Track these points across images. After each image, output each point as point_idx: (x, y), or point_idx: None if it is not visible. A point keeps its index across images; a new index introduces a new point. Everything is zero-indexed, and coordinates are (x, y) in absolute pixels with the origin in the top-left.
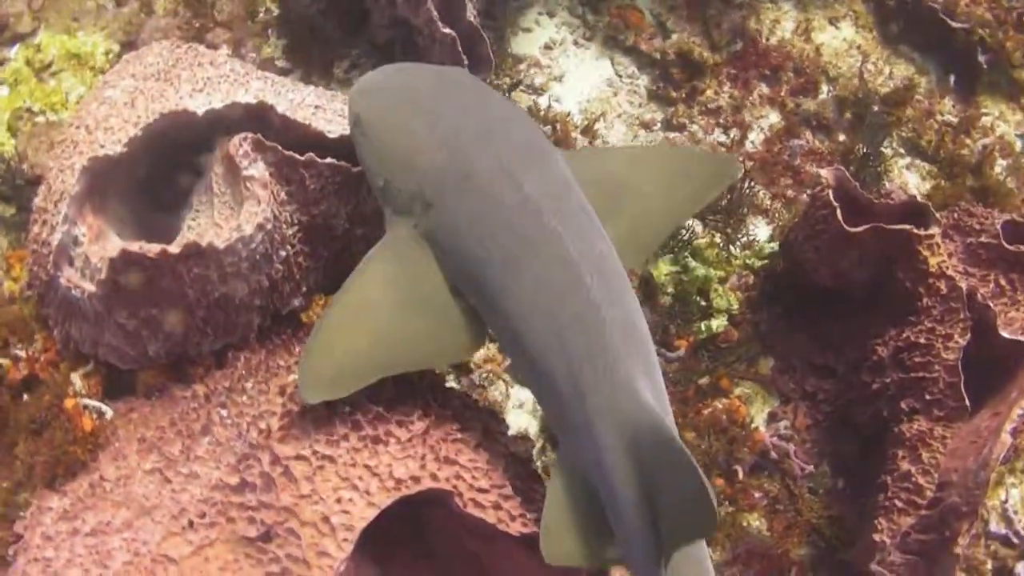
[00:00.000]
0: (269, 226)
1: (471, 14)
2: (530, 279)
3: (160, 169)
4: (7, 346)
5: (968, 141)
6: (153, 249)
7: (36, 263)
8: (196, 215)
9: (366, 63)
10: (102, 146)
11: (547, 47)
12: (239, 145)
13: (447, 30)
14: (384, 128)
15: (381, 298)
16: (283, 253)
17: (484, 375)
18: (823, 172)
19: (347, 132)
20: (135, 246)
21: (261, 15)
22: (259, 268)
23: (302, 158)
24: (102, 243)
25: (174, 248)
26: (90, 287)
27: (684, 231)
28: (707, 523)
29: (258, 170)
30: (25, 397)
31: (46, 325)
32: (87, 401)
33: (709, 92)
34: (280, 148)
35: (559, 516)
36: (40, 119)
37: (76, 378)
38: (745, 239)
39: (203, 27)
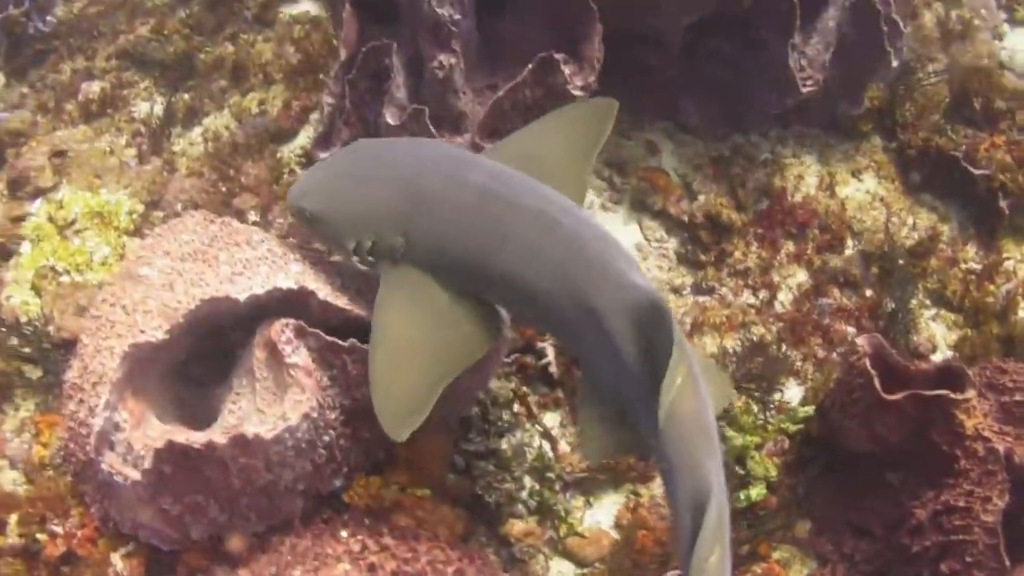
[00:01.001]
0: (314, 414)
1: None
2: (513, 241)
3: (195, 346)
4: (44, 521)
5: (992, 287)
6: (200, 440)
7: (72, 440)
8: (237, 398)
9: None
10: (142, 331)
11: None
12: (281, 332)
13: None
14: (335, 206)
15: (406, 333)
16: (326, 438)
17: (524, 549)
18: (859, 340)
19: None
20: (181, 436)
21: (285, 177)
22: (303, 454)
23: (345, 344)
24: (143, 428)
25: (220, 439)
26: (134, 474)
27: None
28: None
29: (301, 357)
30: (65, 573)
31: (83, 501)
32: None
33: (737, 253)
34: (322, 334)
35: (590, 422)
36: (65, 279)
37: (117, 559)
38: (778, 402)
39: (230, 191)
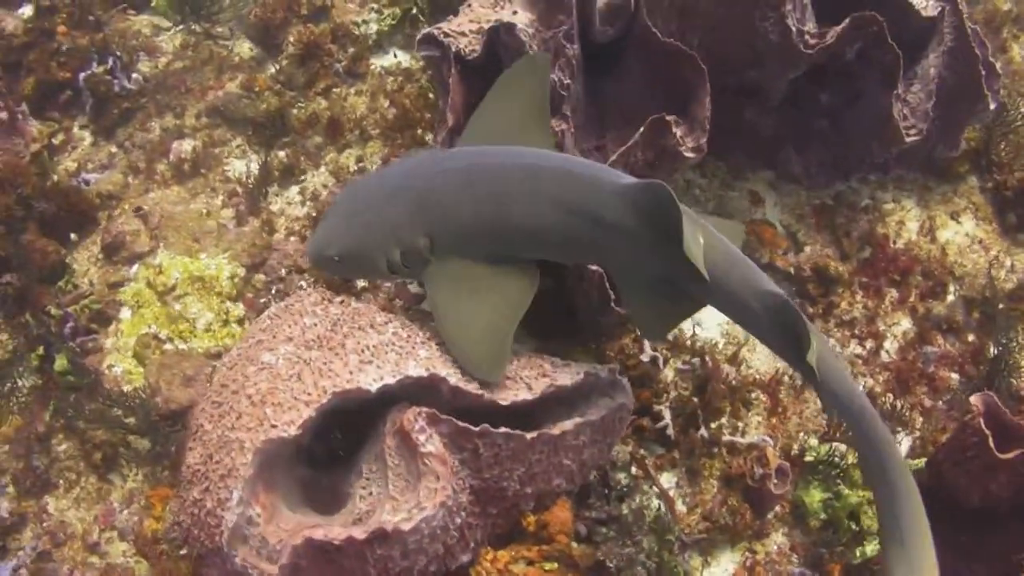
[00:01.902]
0: (449, 502)
1: None
2: (511, 199)
3: (318, 426)
4: None
5: None
6: (339, 537)
7: (196, 526)
8: (367, 483)
9: None
10: (273, 425)
11: None
12: (414, 420)
13: (594, 268)
14: (354, 238)
15: (465, 307)
16: (458, 520)
17: None
18: (972, 400)
19: (519, 399)
20: (319, 533)
21: None
22: (437, 539)
23: (476, 429)
24: (276, 521)
25: (360, 535)
26: (271, 569)
27: (836, 456)
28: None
29: (435, 446)
30: None
31: None
32: None
33: (844, 304)
34: (454, 420)
35: (641, 313)
36: (168, 347)
37: None
38: None
39: None
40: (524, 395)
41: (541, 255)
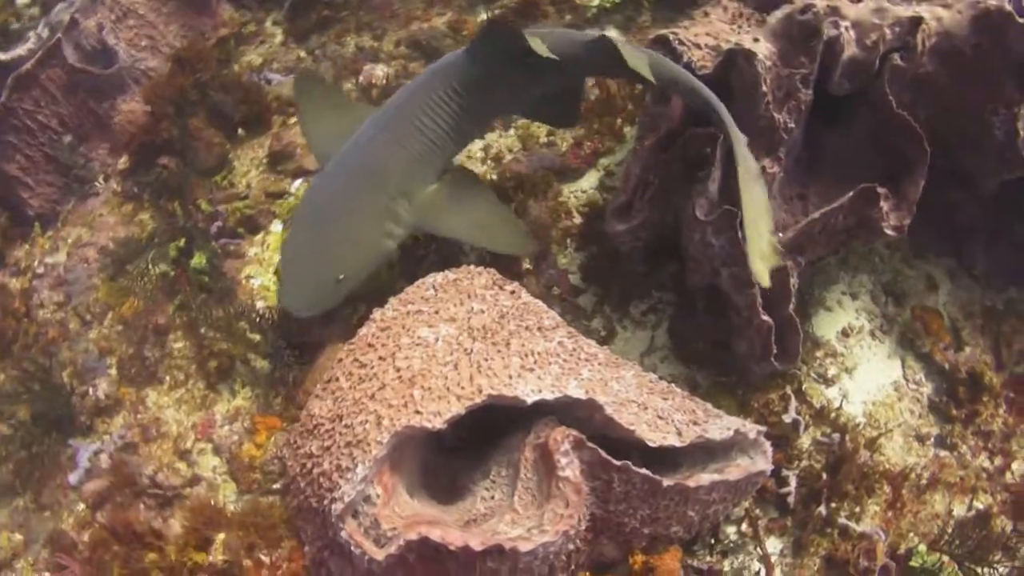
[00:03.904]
0: (572, 531)
1: (792, 306)
2: (437, 115)
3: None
4: (253, 549)
5: None
6: (455, 542)
7: (304, 478)
8: (492, 487)
9: (665, 310)
10: (419, 412)
11: (844, 333)
12: (560, 442)
13: (766, 318)
14: (356, 246)
15: (471, 214)
16: (571, 547)
17: None
18: None
19: (667, 443)
20: (436, 533)
21: (563, 221)
22: (547, 562)
23: (618, 464)
24: (392, 505)
25: (477, 546)
26: (376, 553)
27: (939, 570)
28: None
29: (573, 472)
30: None
31: (298, 537)
32: None
33: (985, 414)
34: (599, 451)
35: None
36: None
37: None
38: None
39: None
40: (672, 441)
41: (476, 136)
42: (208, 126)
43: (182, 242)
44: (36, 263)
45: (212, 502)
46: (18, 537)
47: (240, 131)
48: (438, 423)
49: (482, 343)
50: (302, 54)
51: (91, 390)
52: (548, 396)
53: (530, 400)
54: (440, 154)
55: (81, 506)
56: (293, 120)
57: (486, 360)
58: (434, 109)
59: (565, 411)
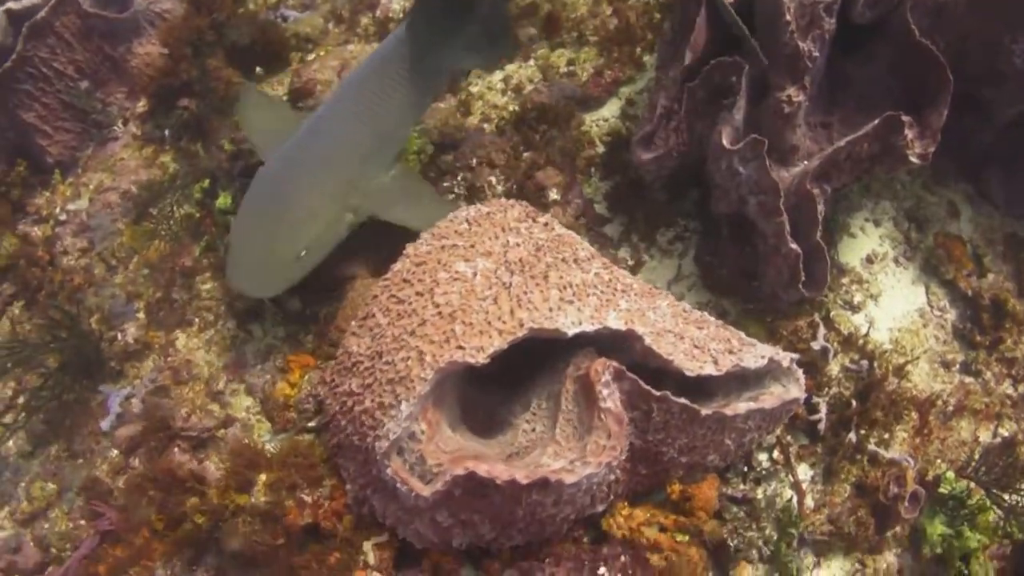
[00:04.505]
0: (614, 462)
1: (819, 233)
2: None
3: None
4: (294, 489)
5: None
6: (502, 476)
7: (344, 416)
8: (533, 419)
9: (691, 238)
10: (461, 347)
11: (869, 260)
12: (601, 373)
13: (794, 246)
14: (316, 221)
15: (420, 202)
16: (612, 477)
17: None
18: None
19: (704, 372)
20: (483, 468)
21: (587, 150)
22: (588, 493)
23: (657, 394)
24: (436, 441)
25: (523, 479)
26: (422, 490)
27: (967, 496)
28: None
29: (614, 403)
30: (314, 549)
31: (338, 475)
32: None
33: (1009, 341)
34: (639, 381)
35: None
36: None
37: (368, 548)
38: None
39: (533, 161)
40: (710, 370)
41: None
42: (226, 65)
43: (206, 183)
44: (58, 210)
45: (251, 443)
46: (51, 486)
47: (258, 69)
48: (481, 358)
49: (520, 276)
50: None
51: (120, 335)
52: (588, 328)
53: (571, 332)
54: (392, 141)
55: (114, 452)
56: (312, 57)
57: (525, 293)
58: (382, 96)
59: (603, 342)
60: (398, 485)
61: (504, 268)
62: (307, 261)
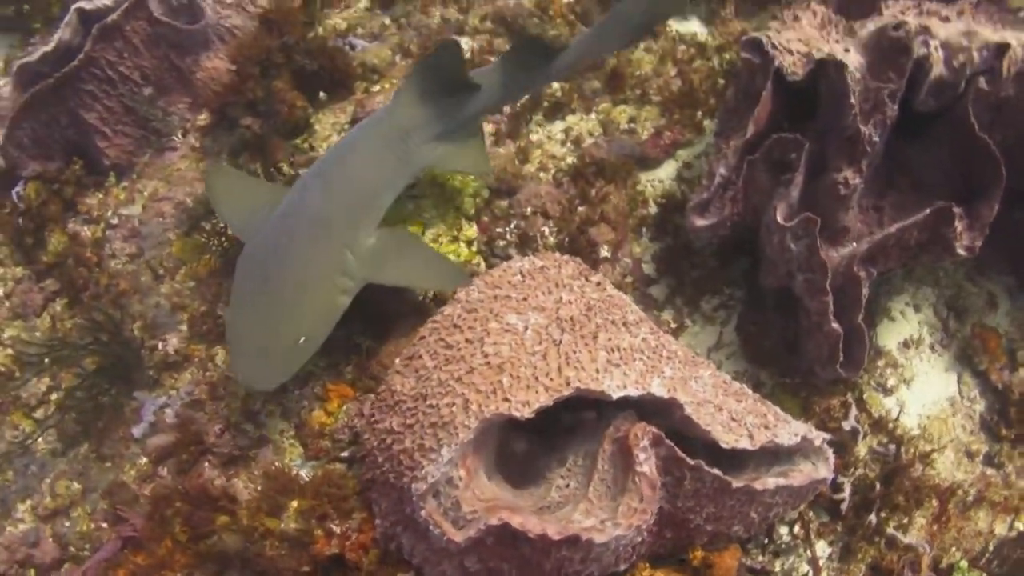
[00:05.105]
0: (644, 526)
1: (861, 316)
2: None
3: None
4: (325, 519)
5: None
6: (535, 530)
7: (382, 453)
8: (567, 475)
9: (734, 306)
10: (507, 399)
11: (905, 344)
12: (640, 438)
13: (835, 325)
14: (312, 306)
15: (410, 262)
16: (639, 539)
17: None
18: None
19: (739, 446)
20: (516, 520)
21: (640, 210)
22: (615, 553)
23: (691, 462)
24: (473, 488)
25: (555, 535)
26: (455, 535)
27: None
28: None
29: (650, 467)
30: None
31: (368, 509)
32: None
33: None
34: (675, 448)
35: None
36: None
37: None
38: None
39: (587, 217)
40: (745, 444)
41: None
42: (291, 88)
43: None
44: (110, 213)
45: (283, 467)
46: (76, 486)
47: (322, 95)
48: (527, 412)
49: (570, 335)
50: (387, 21)
51: (160, 344)
52: (633, 393)
53: (616, 396)
54: (379, 205)
55: (143, 459)
56: (376, 88)
57: (574, 352)
58: (370, 162)
59: (644, 406)
60: (431, 527)
61: (555, 325)
62: (309, 345)
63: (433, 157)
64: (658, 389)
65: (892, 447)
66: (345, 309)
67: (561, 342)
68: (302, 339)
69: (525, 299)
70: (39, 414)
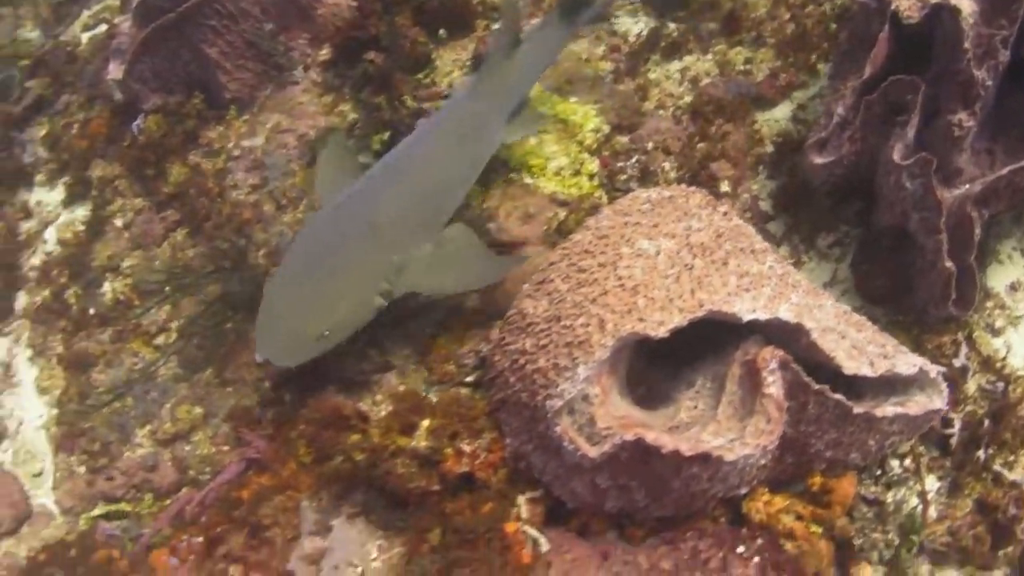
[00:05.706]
0: (770, 446)
1: (973, 256)
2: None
3: None
4: (455, 438)
5: None
6: (667, 446)
7: (513, 372)
8: (696, 396)
9: (849, 244)
10: (641, 319)
11: (1013, 287)
12: (768, 360)
13: (949, 264)
14: (343, 302)
15: (460, 270)
16: (762, 462)
17: None
18: None
19: (860, 372)
20: (651, 436)
21: (756, 148)
22: (741, 474)
23: (816, 387)
24: (607, 406)
25: (687, 451)
26: (589, 451)
27: None
28: None
29: (778, 390)
30: (464, 497)
31: (498, 428)
32: (528, 529)
33: None
34: (801, 372)
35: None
36: (514, 176)
37: (522, 501)
38: None
39: (708, 153)
40: (866, 371)
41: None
42: (413, 24)
43: (386, 135)
44: (231, 145)
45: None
46: (198, 410)
47: (442, 32)
48: (662, 332)
49: (701, 260)
50: None
51: None
52: (762, 316)
53: (745, 318)
54: (448, 208)
55: (266, 384)
56: (497, 25)
57: (706, 276)
58: (446, 163)
59: (771, 332)
60: (565, 444)
61: (687, 250)
62: (329, 340)
63: (505, 138)
64: (785, 314)
65: (1000, 385)
66: (368, 321)
67: (693, 266)
68: (326, 332)
69: (655, 226)
70: (160, 341)
